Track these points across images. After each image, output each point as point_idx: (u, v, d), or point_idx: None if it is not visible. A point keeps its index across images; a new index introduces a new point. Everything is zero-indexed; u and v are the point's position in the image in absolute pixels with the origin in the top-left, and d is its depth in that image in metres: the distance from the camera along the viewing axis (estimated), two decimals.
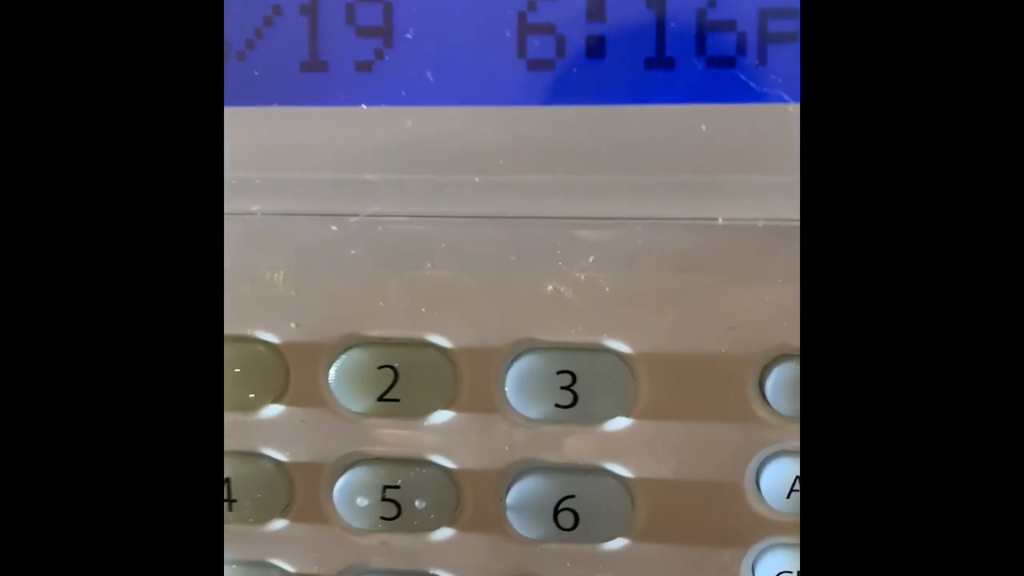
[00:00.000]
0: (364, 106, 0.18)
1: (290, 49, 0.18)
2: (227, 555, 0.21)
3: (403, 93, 0.18)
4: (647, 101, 0.18)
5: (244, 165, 0.18)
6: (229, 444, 0.20)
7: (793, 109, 0.17)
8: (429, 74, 0.18)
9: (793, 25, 0.17)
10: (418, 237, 0.19)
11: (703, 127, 0.17)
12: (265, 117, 0.19)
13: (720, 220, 0.18)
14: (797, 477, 0.19)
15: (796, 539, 0.19)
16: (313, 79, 0.18)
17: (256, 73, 0.19)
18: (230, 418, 0.20)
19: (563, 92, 0.18)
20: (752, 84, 0.17)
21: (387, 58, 0.18)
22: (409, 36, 0.18)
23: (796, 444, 0.19)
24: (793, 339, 0.19)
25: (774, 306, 0.19)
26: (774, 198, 0.18)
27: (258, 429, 0.21)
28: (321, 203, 0.19)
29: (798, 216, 0.18)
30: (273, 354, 0.20)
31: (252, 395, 0.20)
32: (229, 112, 0.18)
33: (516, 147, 0.18)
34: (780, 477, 0.19)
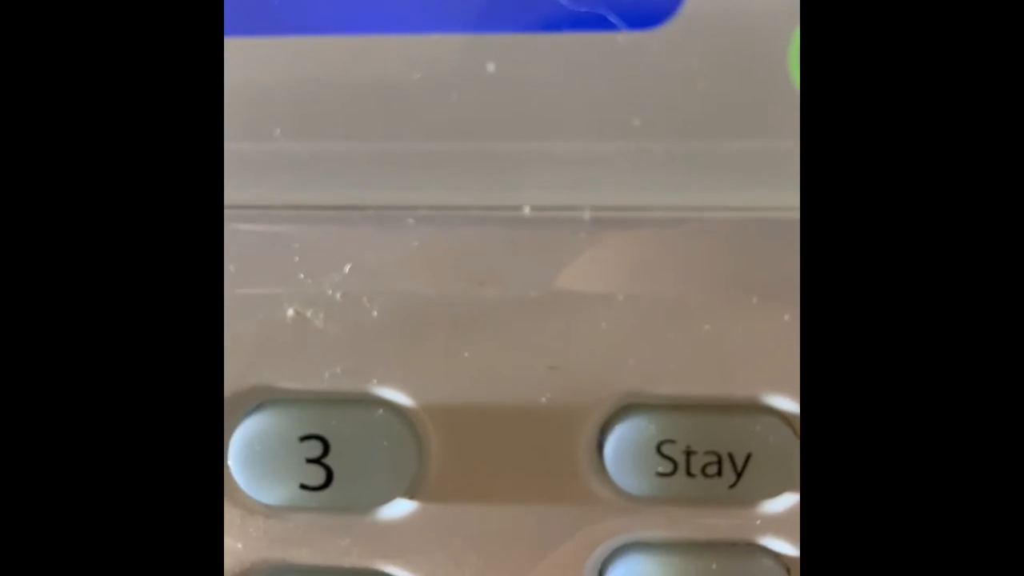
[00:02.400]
0: None
1: None
2: None
3: None
4: (407, 28, 0.12)
5: None
6: None
7: (626, 39, 0.11)
8: None
9: None
10: None
11: (491, 66, 0.11)
12: None
13: (527, 209, 0.12)
14: None
15: None
16: None
17: None
18: None
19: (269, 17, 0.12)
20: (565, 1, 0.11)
21: None
22: None
23: (649, 534, 0.13)
24: (643, 383, 0.13)
25: (613, 334, 0.13)
26: (604, 175, 0.12)
27: None
28: None
29: (640, 202, 0.12)
30: None
31: None
32: None
33: None
34: None
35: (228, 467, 0.13)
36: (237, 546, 0.14)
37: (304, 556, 0.14)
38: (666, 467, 0.13)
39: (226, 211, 0.12)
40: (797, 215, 0.12)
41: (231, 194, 0.12)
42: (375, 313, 0.13)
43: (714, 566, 0.13)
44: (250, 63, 0.12)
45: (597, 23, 0.11)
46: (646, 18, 0.11)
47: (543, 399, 0.13)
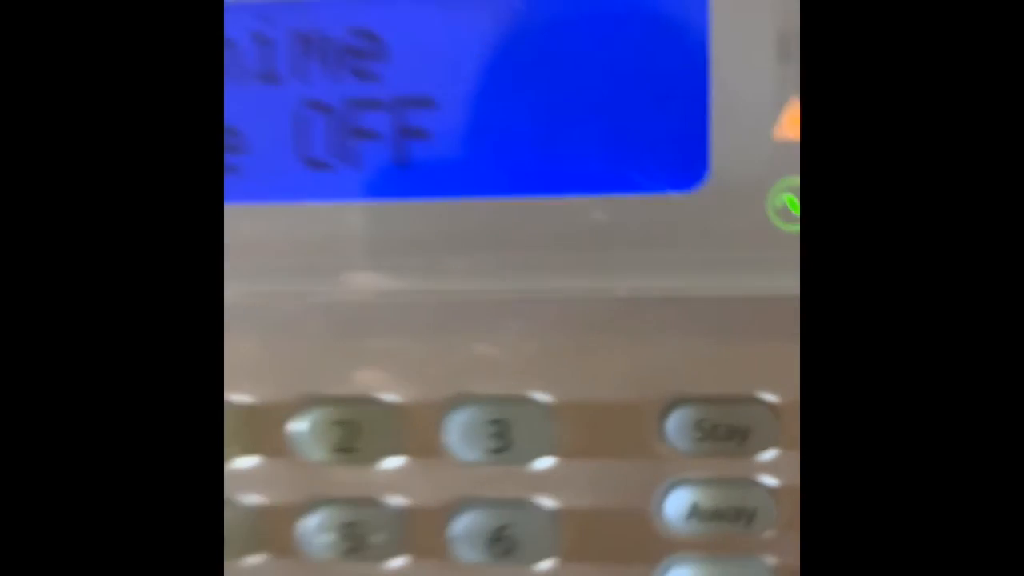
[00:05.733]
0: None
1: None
2: None
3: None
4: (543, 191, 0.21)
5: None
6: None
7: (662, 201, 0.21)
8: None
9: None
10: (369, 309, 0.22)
11: (599, 214, 0.21)
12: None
13: (620, 290, 0.21)
14: (694, 504, 0.23)
15: (694, 554, 0.23)
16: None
17: None
18: None
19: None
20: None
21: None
22: None
23: (692, 475, 0.23)
24: (687, 387, 0.22)
25: (670, 359, 0.22)
26: (665, 276, 0.21)
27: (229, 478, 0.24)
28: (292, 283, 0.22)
29: (680, 287, 0.21)
30: (246, 412, 0.23)
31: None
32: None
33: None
34: (679, 503, 0.23)
35: (446, 439, 0.23)
36: (449, 487, 0.23)
37: (488, 492, 0.23)
38: (702, 434, 0.22)
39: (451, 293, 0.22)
40: None
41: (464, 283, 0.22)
42: (535, 345, 0.22)
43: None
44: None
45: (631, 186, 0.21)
46: (678, 182, 0.21)
47: (629, 397, 0.22)
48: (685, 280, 0.21)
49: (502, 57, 0.21)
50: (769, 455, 0.22)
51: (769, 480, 0.23)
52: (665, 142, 0.21)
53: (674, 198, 0.21)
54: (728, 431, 0.22)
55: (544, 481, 0.23)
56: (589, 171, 0.21)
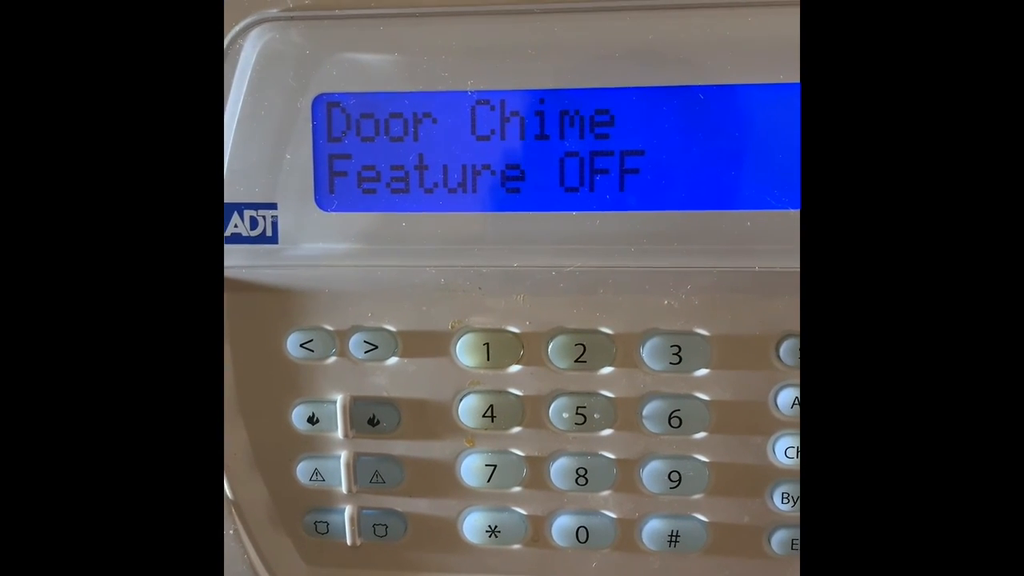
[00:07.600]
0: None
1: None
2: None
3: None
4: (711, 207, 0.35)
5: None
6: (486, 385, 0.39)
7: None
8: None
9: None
10: (599, 275, 0.37)
11: (746, 222, 0.35)
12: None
13: (756, 268, 0.35)
14: (796, 398, 0.37)
15: (795, 431, 0.37)
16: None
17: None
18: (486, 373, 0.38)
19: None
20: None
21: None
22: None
23: (795, 381, 0.37)
24: (794, 326, 0.36)
25: (782, 310, 0.36)
26: (783, 259, 0.35)
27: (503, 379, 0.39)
28: (548, 259, 0.37)
29: (791, 266, 0.35)
30: (522, 336, 0.38)
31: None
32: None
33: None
34: (787, 398, 0.37)
35: (643, 357, 0.37)
36: (640, 385, 0.38)
37: (667, 389, 0.38)
38: None
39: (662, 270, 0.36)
40: None
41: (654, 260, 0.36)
42: (696, 303, 0.37)
43: None
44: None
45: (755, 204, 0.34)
46: (792, 203, 0.34)
47: (757, 332, 0.36)
48: (794, 262, 0.35)
49: (685, 125, 0.35)
50: None
51: None
52: (786, 182, 0.35)
53: (790, 213, 0.35)
54: None
55: (702, 383, 0.38)
56: (739, 195, 0.35)
